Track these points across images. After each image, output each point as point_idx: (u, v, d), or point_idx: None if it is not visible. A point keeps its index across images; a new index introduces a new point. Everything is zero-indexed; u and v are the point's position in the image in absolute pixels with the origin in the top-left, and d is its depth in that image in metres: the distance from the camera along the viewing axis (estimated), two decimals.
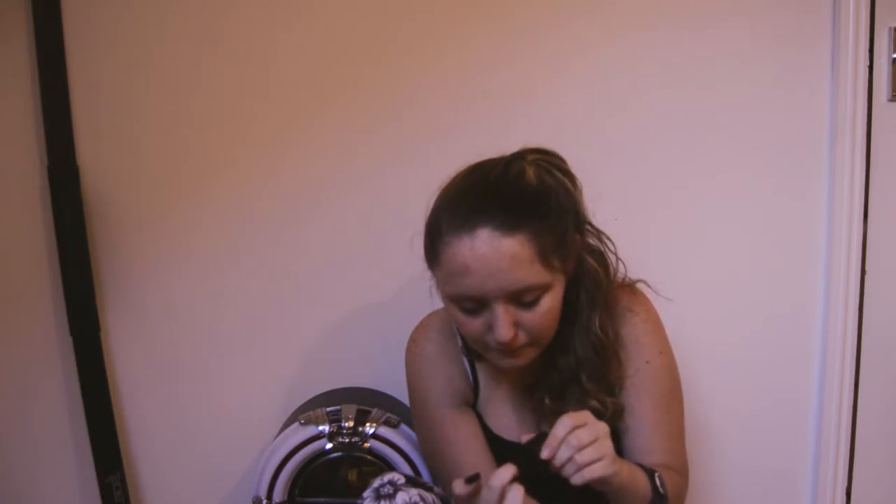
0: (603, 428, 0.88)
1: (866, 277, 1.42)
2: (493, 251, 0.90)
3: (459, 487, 0.85)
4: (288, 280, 1.40)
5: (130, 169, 1.36)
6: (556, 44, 1.36)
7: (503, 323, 0.93)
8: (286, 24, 1.34)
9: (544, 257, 0.92)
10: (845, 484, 1.46)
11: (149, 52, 1.34)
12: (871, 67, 1.37)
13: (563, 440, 0.85)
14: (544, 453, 0.85)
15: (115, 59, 1.33)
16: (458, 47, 1.36)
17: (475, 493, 0.85)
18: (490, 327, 0.94)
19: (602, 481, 0.86)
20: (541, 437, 0.87)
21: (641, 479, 0.94)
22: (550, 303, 0.95)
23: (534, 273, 0.92)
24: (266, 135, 1.37)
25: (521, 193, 0.94)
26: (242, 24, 1.34)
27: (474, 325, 0.96)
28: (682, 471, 1.07)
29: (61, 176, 1.31)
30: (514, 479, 0.84)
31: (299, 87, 1.36)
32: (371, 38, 1.35)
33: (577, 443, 0.84)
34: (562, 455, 0.85)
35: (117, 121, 1.34)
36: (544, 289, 0.94)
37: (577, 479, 0.84)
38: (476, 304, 0.94)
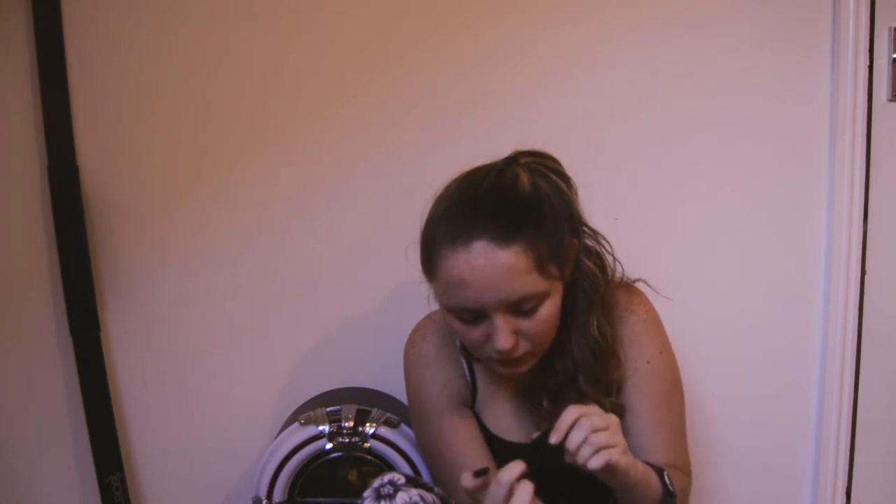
0: (614, 419, 0.86)
1: (866, 277, 1.42)
2: (490, 264, 0.90)
3: (467, 481, 0.84)
4: (288, 280, 1.40)
5: (130, 169, 1.36)
6: (556, 46, 1.36)
7: (503, 333, 0.92)
8: (286, 29, 1.34)
9: (541, 266, 0.92)
10: (845, 484, 1.46)
11: (149, 52, 1.33)
12: (871, 67, 1.37)
13: (572, 424, 0.83)
14: (553, 438, 0.83)
15: (115, 58, 1.33)
16: (456, 52, 1.36)
17: (483, 488, 0.83)
18: (489, 337, 0.94)
19: (618, 472, 0.84)
20: (549, 433, 0.85)
21: (653, 476, 0.93)
22: (549, 310, 0.95)
23: (531, 282, 0.92)
24: (266, 137, 1.37)
25: (516, 203, 0.94)
26: (243, 25, 1.34)
27: (474, 334, 0.96)
28: (685, 469, 1.07)
29: (61, 176, 1.31)
30: (523, 476, 0.82)
31: (298, 92, 1.36)
32: (367, 47, 1.35)
33: (590, 425, 0.83)
34: (575, 437, 0.83)
35: (117, 121, 1.34)
36: (543, 297, 0.94)
37: (594, 463, 0.82)
38: (474, 314, 0.94)
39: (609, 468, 0.83)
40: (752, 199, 1.41)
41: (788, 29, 1.38)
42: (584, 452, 0.82)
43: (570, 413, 0.84)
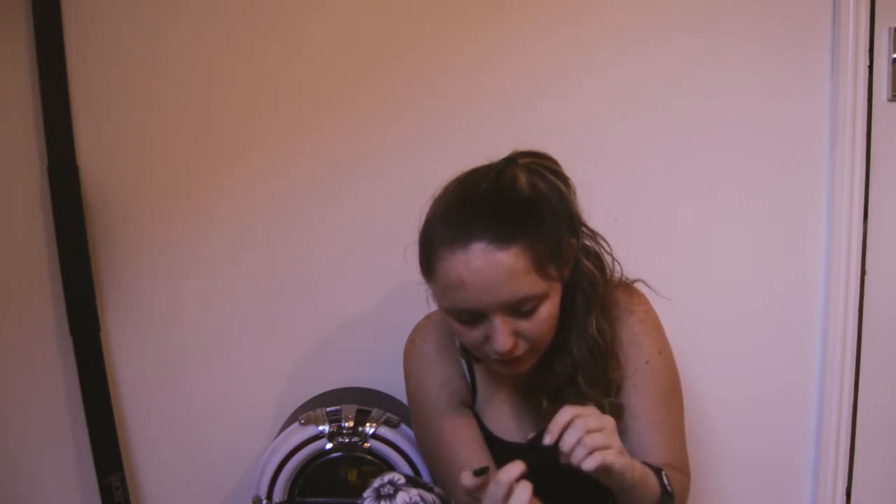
0: (609, 420, 0.86)
1: (866, 277, 1.42)
2: (489, 265, 0.89)
3: (467, 479, 0.83)
4: (288, 280, 1.40)
5: (130, 169, 1.36)
6: (556, 46, 1.36)
7: (502, 334, 0.92)
8: (286, 29, 1.34)
9: (540, 267, 0.92)
10: (845, 484, 1.46)
11: (149, 51, 1.33)
12: (871, 67, 1.37)
13: (566, 425, 0.83)
14: (546, 439, 0.83)
15: (115, 58, 1.33)
16: (456, 52, 1.36)
17: (482, 487, 0.83)
18: (489, 337, 0.94)
19: (613, 473, 0.83)
20: (544, 433, 0.84)
21: (651, 477, 0.92)
22: (549, 310, 0.95)
23: (530, 283, 0.91)
24: (266, 137, 1.37)
25: (515, 204, 0.94)
26: (243, 25, 1.34)
27: (473, 335, 0.96)
28: (684, 469, 1.06)
29: (61, 176, 1.32)
30: (522, 476, 0.82)
31: (298, 92, 1.36)
32: (367, 47, 1.35)
33: (584, 425, 0.82)
34: (569, 439, 0.82)
35: (117, 121, 1.34)
36: (542, 298, 0.93)
37: (588, 464, 0.81)
38: (473, 315, 0.94)
39: (604, 469, 0.82)
40: (752, 199, 1.41)
41: (788, 29, 1.38)
42: (579, 454, 0.82)
43: (565, 414, 0.84)
